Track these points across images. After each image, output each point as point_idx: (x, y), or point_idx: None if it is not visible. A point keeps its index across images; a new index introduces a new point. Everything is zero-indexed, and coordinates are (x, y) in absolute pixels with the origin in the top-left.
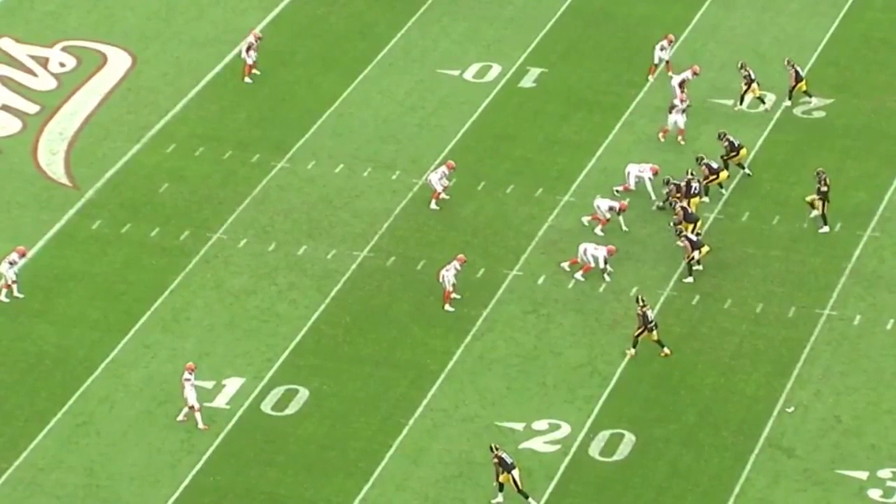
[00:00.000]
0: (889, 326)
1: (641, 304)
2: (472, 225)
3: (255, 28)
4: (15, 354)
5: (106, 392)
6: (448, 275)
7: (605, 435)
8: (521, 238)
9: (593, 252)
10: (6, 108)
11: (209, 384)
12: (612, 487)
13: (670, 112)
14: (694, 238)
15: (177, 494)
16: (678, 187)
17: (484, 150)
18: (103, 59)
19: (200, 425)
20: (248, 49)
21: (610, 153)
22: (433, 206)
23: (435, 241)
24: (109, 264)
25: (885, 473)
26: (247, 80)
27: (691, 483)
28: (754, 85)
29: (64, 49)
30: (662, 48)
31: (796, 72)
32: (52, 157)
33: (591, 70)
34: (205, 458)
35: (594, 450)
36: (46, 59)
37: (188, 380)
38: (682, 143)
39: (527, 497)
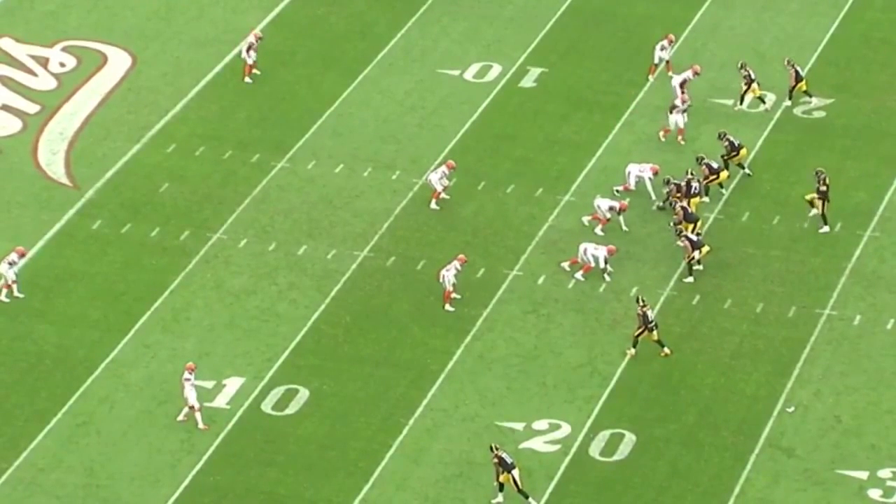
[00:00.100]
0: (889, 326)
1: (641, 303)
2: (473, 225)
3: (255, 28)
4: (15, 354)
5: (106, 392)
6: (448, 275)
7: (605, 435)
8: (521, 238)
9: (593, 252)
10: (6, 107)
11: (209, 384)
12: (612, 487)
13: (671, 112)
14: (694, 238)
15: (177, 494)
16: (678, 187)
17: (484, 150)
18: (103, 59)
19: (200, 425)
20: (249, 49)
21: (610, 153)
22: (433, 205)
23: (435, 241)
24: (109, 264)
25: (885, 473)
26: (247, 80)
27: (691, 483)
28: (754, 85)
29: (64, 49)
30: (662, 48)
31: (796, 72)
32: (52, 156)
33: (591, 70)
34: (205, 458)
35: (594, 450)
36: (46, 59)
37: (188, 380)
38: (682, 142)
39: (527, 497)
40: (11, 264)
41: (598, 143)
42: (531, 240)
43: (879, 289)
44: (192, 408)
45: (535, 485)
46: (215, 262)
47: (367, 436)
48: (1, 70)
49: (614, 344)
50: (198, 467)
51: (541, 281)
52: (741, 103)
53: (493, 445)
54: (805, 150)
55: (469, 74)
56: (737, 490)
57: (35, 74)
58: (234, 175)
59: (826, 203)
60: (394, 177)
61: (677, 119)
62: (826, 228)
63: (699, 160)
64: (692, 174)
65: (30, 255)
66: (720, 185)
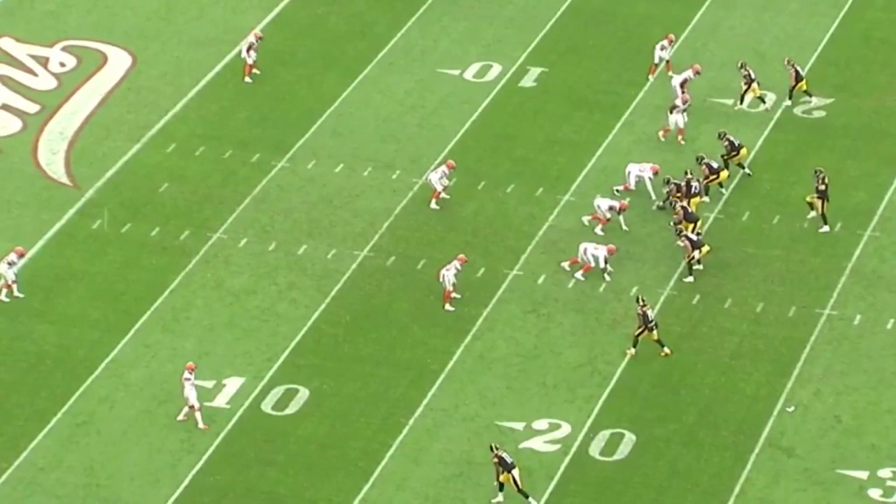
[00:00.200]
0: (889, 326)
1: (641, 303)
2: (473, 224)
3: (255, 28)
4: (15, 354)
5: (106, 392)
6: (448, 274)
7: (605, 434)
8: (521, 238)
9: (593, 252)
10: (6, 107)
11: (209, 384)
12: (612, 487)
13: (671, 112)
14: (694, 237)
15: (177, 494)
16: (678, 187)
17: (484, 150)
18: (103, 59)
19: (200, 425)
20: (249, 49)
21: (610, 153)
22: (433, 205)
23: (435, 241)
24: (109, 264)
25: (885, 473)
26: (247, 79)
27: (691, 483)
28: (754, 84)
29: (64, 49)
30: (662, 48)
31: (796, 71)
32: (52, 156)
33: (591, 70)
34: (205, 457)
35: (594, 449)
36: (47, 59)
37: (188, 379)
38: (682, 142)
39: (527, 497)
40: (11, 264)
41: (598, 142)
42: (531, 239)
43: (879, 289)
44: (192, 407)
45: (535, 484)
46: (215, 262)
47: (367, 436)
48: (1, 70)
49: (614, 344)
50: (198, 467)
51: (541, 281)
52: (741, 103)
53: (493, 445)
54: (805, 150)
55: (469, 74)
56: (737, 490)
57: (35, 74)
58: (234, 175)
59: (825, 203)
60: (394, 176)
61: (677, 119)
62: (826, 228)
63: (699, 160)
64: (691, 174)
65: (30, 254)
66: (720, 184)
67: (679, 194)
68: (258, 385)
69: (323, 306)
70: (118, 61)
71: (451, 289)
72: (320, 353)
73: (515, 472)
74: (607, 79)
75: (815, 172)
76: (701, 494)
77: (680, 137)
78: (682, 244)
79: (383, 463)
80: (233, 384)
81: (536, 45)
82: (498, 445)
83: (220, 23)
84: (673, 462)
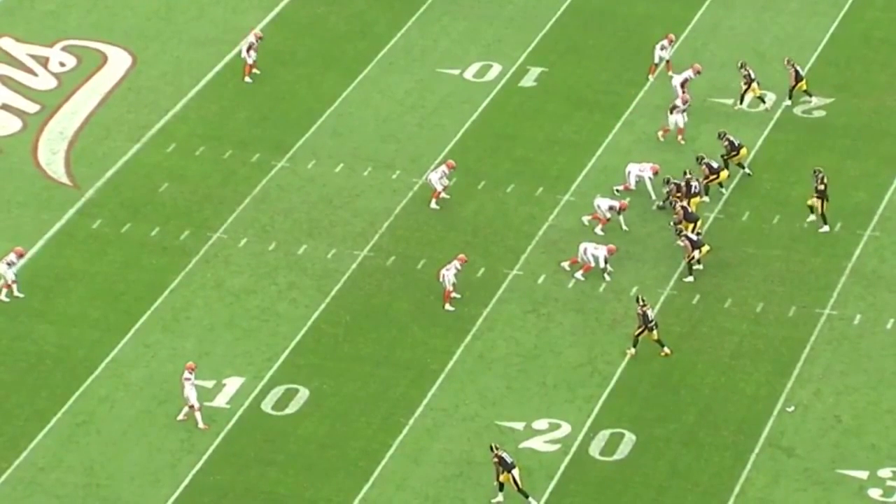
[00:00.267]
0: (889, 326)
1: (641, 303)
2: (473, 224)
3: (255, 28)
4: (15, 354)
5: (106, 391)
6: (448, 274)
7: (605, 434)
8: (521, 237)
9: (593, 251)
10: (6, 107)
11: (209, 384)
12: (612, 487)
13: (671, 112)
14: (694, 237)
15: (177, 494)
16: (678, 187)
17: (484, 150)
18: (103, 59)
19: (200, 425)
20: (249, 49)
21: (610, 153)
22: (433, 205)
23: (435, 241)
24: (109, 264)
25: (885, 473)
26: (247, 79)
27: (691, 483)
28: (754, 84)
29: (64, 48)
30: (663, 47)
31: (796, 71)
32: (52, 156)
33: (591, 70)
34: (205, 457)
35: (594, 449)
36: (47, 59)
37: (188, 379)
38: (682, 142)
39: (527, 496)
40: (10, 265)
41: (598, 142)
42: (531, 239)
43: (879, 288)
44: (191, 407)
45: (535, 484)
46: (215, 262)
47: (367, 435)
48: (1, 70)
49: (614, 344)
50: (198, 467)
51: (541, 280)
52: (741, 103)
53: (493, 445)
54: (805, 149)
55: (469, 74)
56: (737, 490)
57: (35, 74)
58: (234, 175)
59: (825, 202)
60: (394, 176)
61: (677, 119)
62: (826, 228)
63: (699, 160)
64: (690, 174)
65: (30, 254)
66: (720, 184)
67: (679, 194)
68: (258, 385)
69: (323, 306)
70: (118, 61)
71: (451, 289)
72: (320, 353)
73: (515, 471)
74: (607, 79)
75: (814, 172)
76: (701, 494)
77: (680, 137)
78: (682, 244)
79: (383, 463)
80: (233, 384)
81: (536, 45)
82: (498, 445)
83: (220, 23)
84: (673, 462)
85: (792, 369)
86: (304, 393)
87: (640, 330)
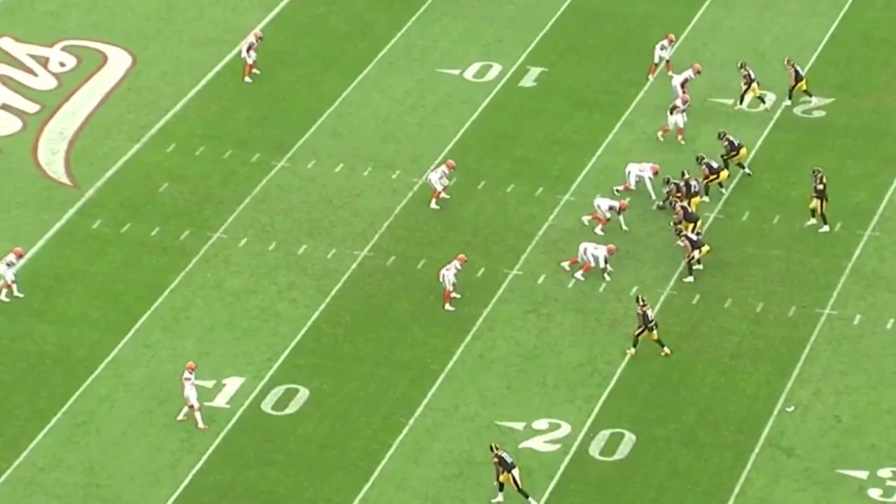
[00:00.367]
0: (889, 326)
1: (641, 303)
2: (473, 224)
3: (255, 28)
4: (15, 354)
5: (106, 391)
6: (448, 274)
7: (605, 434)
8: (521, 237)
9: (593, 251)
10: (6, 107)
11: (209, 383)
12: (612, 487)
13: (671, 113)
14: (694, 237)
15: (177, 494)
16: (678, 187)
17: (484, 150)
18: (103, 59)
19: (200, 425)
20: (249, 49)
21: (610, 152)
22: (433, 205)
23: (435, 241)
24: (109, 264)
25: (885, 473)
26: (247, 79)
27: (691, 483)
28: (754, 84)
29: (64, 48)
30: (662, 47)
31: (796, 71)
32: (52, 156)
33: (591, 70)
34: (205, 457)
35: (594, 449)
36: (46, 59)
37: (188, 379)
38: (682, 142)
39: (527, 496)
40: (10, 265)
41: (598, 142)
42: (531, 239)
43: (879, 288)
44: (191, 407)
45: (535, 484)
46: (215, 262)
47: (367, 435)
48: (1, 70)
49: (614, 344)
50: (198, 467)
51: (541, 280)
52: (741, 103)
53: (493, 445)
54: (805, 149)
55: (469, 74)
56: (737, 490)
57: (35, 74)
58: (234, 175)
59: (824, 202)
60: (394, 176)
61: (677, 119)
62: (826, 228)
63: (699, 160)
64: (688, 174)
65: (30, 254)
66: (720, 184)
67: (679, 194)
68: (258, 385)
69: (323, 306)
70: (118, 61)
71: (451, 289)
72: (320, 352)
73: (515, 471)
74: (607, 79)
75: (813, 172)
76: (701, 494)
77: (680, 137)
78: (682, 244)
79: (383, 463)
80: (233, 384)
81: (536, 45)
82: (498, 445)
83: (220, 23)
84: (673, 462)
85: (792, 369)
86: (304, 393)
87: (640, 330)
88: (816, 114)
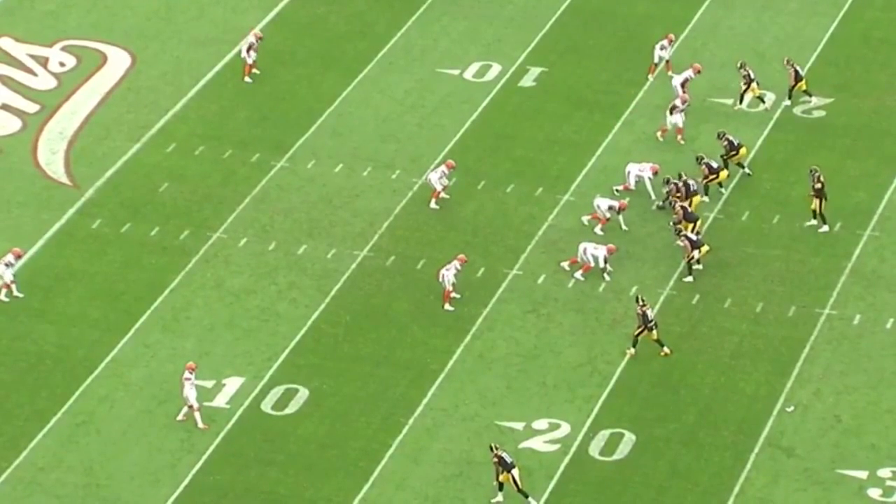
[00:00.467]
0: (889, 326)
1: (641, 303)
2: (472, 224)
3: (255, 28)
4: (15, 354)
5: (106, 391)
6: (448, 274)
7: (604, 434)
8: (521, 237)
9: (593, 251)
10: (6, 107)
11: (209, 383)
12: (612, 487)
13: (671, 113)
14: (694, 237)
15: (177, 494)
16: (678, 187)
17: (484, 150)
18: (103, 59)
19: (200, 425)
20: (249, 49)
21: (610, 152)
22: (433, 205)
23: (435, 241)
24: (109, 264)
25: (884, 473)
26: (247, 79)
27: (691, 482)
28: (754, 84)
29: (64, 48)
30: (662, 47)
31: (796, 71)
32: (51, 156)
33: (591, 70)
34: (205, 457)
35: (594, 449)
36: (46, 59)
37: (188, 379)
38: (682, 142)
39: (526, 496)
40: (8, 265)
41: (597, 142)
42: (531, 239)
43: (879, 288)
44: (191, 407)
45: (534, 484)
46: (215, 262)
47: (367, 435)
48: (1, 70)
49: (614, 343)
50: (197, 467)
51: (541, 280)
52: (741, 103)
53: (492, 445)
54: (805, 149)
55: (469, 74)
56: (736, 489)
57: (35, 74)
58: (233, 175)
59: (823, 201)
60: (393, 176)
61: (676, 119)
62: (826, 228)
63: (699, 160)
64: (686, 175)
65: (30, 254)
66: (720, 184)
67: (679, 195)
68: (258, 385)
69: (323, 306)
70: (118, 61)
71: (450, 289)
72: (320, 352)
73: (515, 471)
74: (607, 79)
75: (811, 171)
76: (701, 494)
77: (679, 137)
78: (681, 244)
79: (383, 463)
80: (233, 384)
81: (536, 45)
82: (498, 445)
83: (220, 23)
84: (673, 462)
85: (792, 369)
86: (303, 393)
87: (639, 330)
88: (816, 114)
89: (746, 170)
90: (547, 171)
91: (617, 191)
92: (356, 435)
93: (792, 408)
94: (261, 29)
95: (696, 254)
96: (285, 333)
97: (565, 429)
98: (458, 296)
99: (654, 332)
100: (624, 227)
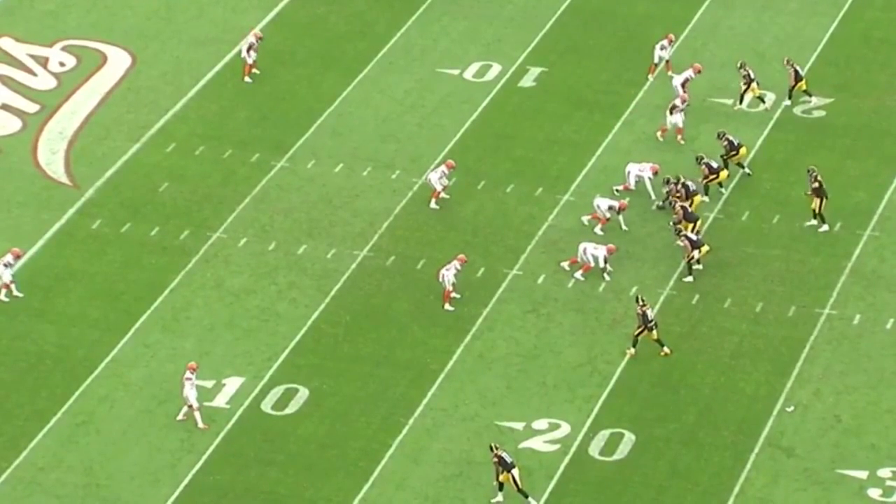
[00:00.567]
0: (889, 326)
1: (641, 303)
2: (472, 224)
3: (255, 28)
4: (15, 354)
5: (106, 391)
6: (448, 274)
7: (604, 434)
8: (521, 237)
9: (593, 251)
10: (6, 107)
11: (209, 383)
12: (612, 487)
13: (671, 113)
14: (694, 237)
15: (177, 494)
16: (677, 189)
17: (484, 150)
18: (103, 59)
19: (200, 425)
20: (249, 49)
21: (610, 152)
22: (433, 205)
23: (435, 241)
24: (109, 264)
25: (884, 473)
26: (247, 79)
27: (691, 482)
28: (754, 84)
29: (64, 48)
30: (662, 47)
31: (796, 71)
32: (51, 156)
33: (591, 69)
34: (205, 457)
35: (594, 449)
36: (46, 59)
37: (189, 379)
38: (682, 142)
39: (526, 496)
40: (7, 266)
41: (597, 142)
42: (531, 239)
43: (879, 288)
44: (191, 407)
45: (534, 484)
46: (215, 262)
47: (367, 435)
48: (1, 69)
49: (614, 343)
50: (197, 467)
51: (541, 280)
52: (741, 103)
53: (492, 445)
54: (805, 149)
55: (469, 74)
56: (736, 489)
57: (35, 74)
58: (233, 174)
59: (824, 200)
60: (393, 176)
61: (676, 119)
62: (825, 228)
63: (699, 160)
64: (683, 178)
65: (30, 254)
66: (720, 184)
67: (678, 195)
68: (258, 385)
69: (323, 306)
70: (118, 61)
71: (450, 289)
72: (320, 352)
73: (515, 471)
74: (607, 79)
75: (808, 171)
76: (701, 494)
77: (679, 137)
78: (681, 244)
79: (383, 463)
80: (233, 384)
81: (536, 45)
82: (498, 445)
83: (220, 23)
84: (673, 462)
85: (792, 369)
86: (303, 393)
87: (639, 330)
88: (816, 114)
89: (746, 170)
90: (547, 171)
91: (617, 191)
92: (356, 435)
93: (792, 408)
94: (261, 29)
95: (696, 254)
96: (285, 333)
97: (565, 429)
98: (458, 296)
99: (654, 332)
100: (624, 227)
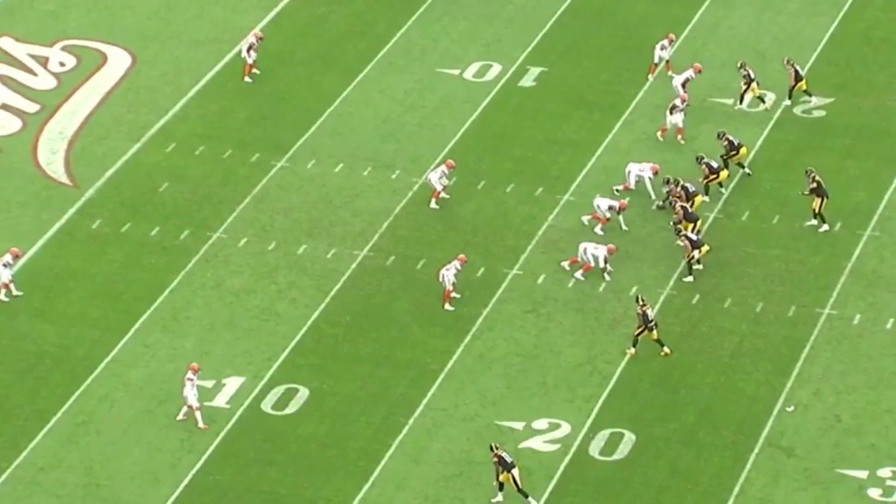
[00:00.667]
0: (889, 326)
1: (641, 303)
2: (472, 224)
3: (255, 28)
4: (15, 354)
5: (106, 391)
6: (448, 274)
7: (604, 434)
8: (521, 237)
9: (593, 251)
10: (6, 107)
11: (209, 383)
12: (612, 487)
13: (671, 113)
14: (694, 237)
15: (177, 493)
16: (676, 190)
17: (484, 150)
18: (103, 59)
19: (200, 425)
20: (249, 49)
21: (610, 152)
22: (433, 205)
23: (435, 241)
24: (109, 264)
25: (884, 472)
26: (247, 79)
27: (691, 482)
28: (754, 84)
29: (64, 48)
30: (662, 47)
31: (796, 71)
32: (51, 156)
33: (591, 69)
34: (205, 457)
35: (594, 449)
36: (46, 59)
37: (191, 379)
38: (682, 142)
39: (526, 496)
40: (6, 266)
41: (597, 142)
42: (531, 239)
43: (879, 288)
44: (190, 407)
45: (534, 484)
46: (215, 262)
47: (367, 435)
48: (1, 69)
49: (614, 343)
50: (198, 467)
51: (541, 280)
52: (741, 103)
53: (492, 445)
54: (805, 149)
55: (469, 74)
56: (736, 489)
57: (35, 74)
58: (233, 174)
59: (824, 200)
60: (393, 176)
61: (676, 119)
62: (825, 227)
63: (699, 160)
64: (682, 180)
65: (30, 254)
66: (720, 184)
67: (678, 195)
68: (258, 385)
69: (323, 306)
70: (118, 61)
71: (450, 288)
72: (320, 352)
73: (515, 471)
74: (607, 79)
75: (806, 172)
76: (701, 494)
77: (679, 137)
78: (681, 244)
79: (383, 463)
80: (233, 384)
81: (536, 45)
82: (498, 445)
83: (220, 23)
84: (673, 462)
85: (792, 369)
86: (303, 393)
87: (639, 330)
88: (816, 114)
89: (746, 170)
90: (547, 171)
91: (617, 191)
92: (356, 435)
93: (792, 408)
94: (261, 29)
95: (696, 254)
96: (285, 333)
97: (565, 429)
98: (458, 296)
99: (654, 331)
100: (624, 227)
